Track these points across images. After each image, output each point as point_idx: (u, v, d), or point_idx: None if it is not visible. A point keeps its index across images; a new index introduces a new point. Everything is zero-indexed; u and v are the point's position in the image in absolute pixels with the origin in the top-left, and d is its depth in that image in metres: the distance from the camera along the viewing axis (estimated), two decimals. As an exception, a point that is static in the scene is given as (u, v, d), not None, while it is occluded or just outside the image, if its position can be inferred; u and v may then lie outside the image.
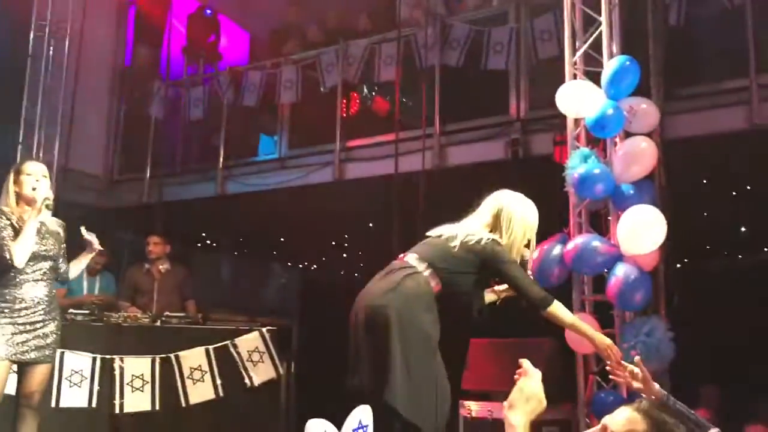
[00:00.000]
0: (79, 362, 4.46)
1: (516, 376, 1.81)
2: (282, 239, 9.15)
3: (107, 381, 4.52)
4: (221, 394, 4.70)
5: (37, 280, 3.75)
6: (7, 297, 3.66)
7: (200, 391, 4.68)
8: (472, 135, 6.28)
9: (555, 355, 4.62)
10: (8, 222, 3.68)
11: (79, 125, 7.53)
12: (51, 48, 7.08)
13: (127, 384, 4.56)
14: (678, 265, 5.95)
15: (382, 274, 3.09)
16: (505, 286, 3.21)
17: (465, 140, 6.30)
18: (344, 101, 7.17)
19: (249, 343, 4.88)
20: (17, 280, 3.68)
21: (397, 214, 5.86)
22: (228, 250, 10.01)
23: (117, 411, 4.50)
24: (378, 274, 3.11)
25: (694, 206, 5.97)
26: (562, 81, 4.88)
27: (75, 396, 4.39)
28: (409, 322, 2.88)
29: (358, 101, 7.39)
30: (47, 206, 3.74)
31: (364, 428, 2.42)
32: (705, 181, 5.89)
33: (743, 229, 7.08)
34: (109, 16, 8.51)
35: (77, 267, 4.07)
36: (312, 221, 7.68)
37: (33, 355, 3.67)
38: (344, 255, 9.63)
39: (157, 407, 4.58)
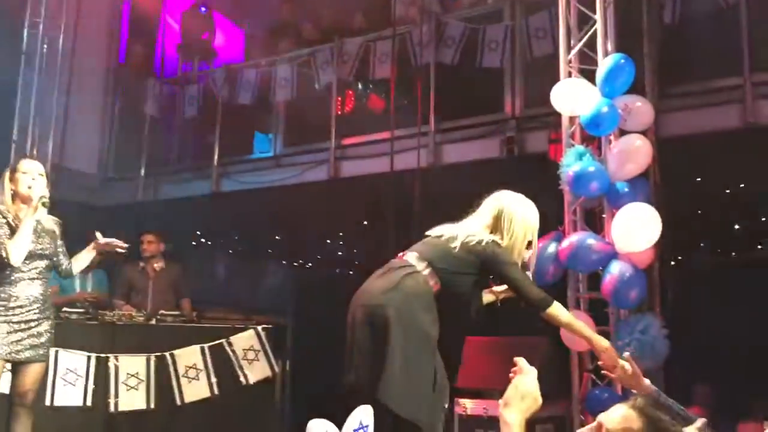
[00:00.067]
0: (73, 361, 4.45)
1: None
2: (277, 237, 9.14)
3: (102, 379, 4.51)
4: (216, 392, 4.70)
5: (33, 279, 3.74)
6: (2, 295, 3.65)
7: (195, 389, 4.67)
8: (467, 133, 6.28)
9: (550, 353, 4.63)
10: (4, 220, 3.68)
11: (73, 123, 7.50)
12: (45, 45, 7.05)
13: (122, 382, 4.55)
14: (672, 263, 5.98)
15: (381, 272, 3.07)
16: (504, 286, 3.21)
17: (460, 138, 6.29)
18: (339, 99, 7.16)
19: (244, 341, 4.88)
20: (12, 278, 3.67)
21: (392, 212, 5.85)
22: (223, 248, 9.99)
23: (112, 409, 4.50)
24: (376, 272, 3.10)
25: (688, 204, 5.99)
26: (557, 79, 4.89)
27: (70, 395, 4.38)
28: (408, 321, 2.88)
29: (353, 99, 7.38)
30: (44, 204, 3.73)
31: (365, 428, 2.42)
32: (699, 179, 5.91)
33: (737, 226, 7.11)
34: (103, 14, 8.47)
35: (80, 263, 4.06)
36: (307, 219, 7.68)
37: (27, 354, 3.66)
38: (339, 253, 9.63)
39: (152, 406, 4.57)
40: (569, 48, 5.00)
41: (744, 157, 5.42)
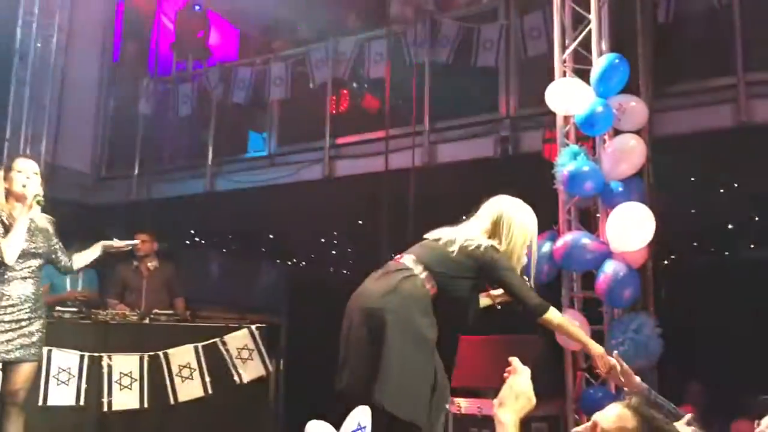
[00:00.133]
0: (66, 360, 4.42)
1: (505, 374, 1.81)
2: (271, 236, 9.13)
3: (95, 379, 4.48)
4: (210, 391, 4.68)
5: (25, 278, 3.72)
6: (-6, 294, 3.63)
7: (189, 388, 4.65)
8: (461, 132, 6.28)
9: (544, 352, 4.63)
10: (-2, 219, 3.66)
11: (66, 122, 7.49)
12: (38, 43, 7.03)
13: (116, 382, 4.53)
14: (665, 262, 5.99)
15: (378, 274, 3.06)
16: (501, 290, 3.21)
17: (455, 137, 6.30)
18: (334, 98, 7.15)
19: (238, 340, 4.86)
20: (5, 277, 3.66)
21: (386, 212, 5.85)
22: (217, 247, 9.97)
23: (105, 409, 4.47)
24: (373, 275, 3.09)
25: (681, 203, 6.00)
26: (551, 78, 4.89)
27: (63, 394, 4.36)
28: (406, 324, 2.87)
29: (347, 98, 7.37)
30: (38, 203, 3.72)
31: (363, 429, 2.42)
32: (693, 179, 5.93)
33: (730, 226, 7.13)
34: (97, 12, 8.44)
35: (83, 260, 4.05)
36: (301, 218, 7.68)
37: (18, 353, 3.64)
38: (333, 252, 9.62)
39: (146, 405, 4.55)
40: (564, 47, 5.00)
41: (737, 157, 5.44)
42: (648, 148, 4.59)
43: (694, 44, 5.55)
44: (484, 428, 4.41)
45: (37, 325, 3.74)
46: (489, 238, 3.08)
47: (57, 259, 3.92)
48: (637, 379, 2.81)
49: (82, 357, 4.48)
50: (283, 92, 7.20)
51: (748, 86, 5.05)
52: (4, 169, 3.78)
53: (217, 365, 4.75)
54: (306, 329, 8.74)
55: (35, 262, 3.78)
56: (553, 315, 3.04)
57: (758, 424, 3.19)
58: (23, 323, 3.68)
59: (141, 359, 4.63)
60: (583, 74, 4.79)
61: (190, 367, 4.68)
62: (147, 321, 4.99)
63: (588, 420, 1.70)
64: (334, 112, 7.11)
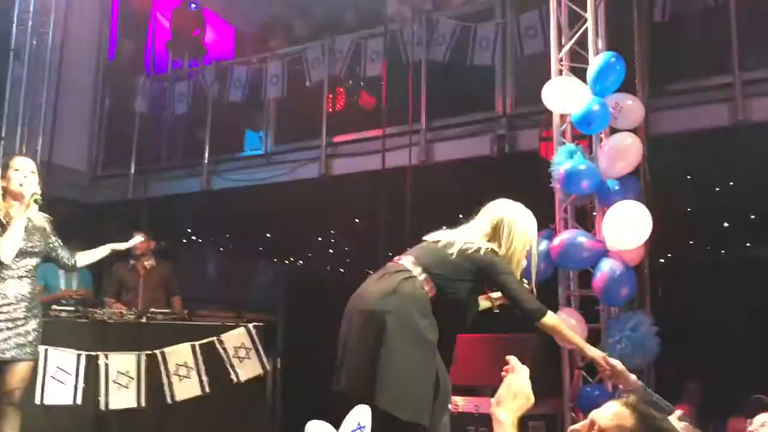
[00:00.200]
0: (63, 359, 4.41)
1: (503, 373, 1.81)
2: (268, 235, 9.12)
3: (92, 378, 4.47)
4: (207, 390, 4.67)
5: (22, 277, 3.72)
6: (-10, 293, 3.63)
7: (186, 387, 4.65)
8: (458, 131, 6.28)
9: (541, 350, 4.64)
10: (-6, 218, 3.66)
11: (62, 120, 7.46)
12: (34, 41, 7.01)
13: (113, 381, 4.52)
14: (662, 261, 6.01)
15: (377, 276, 3.06)
16: (500, 293, 3.21)
17: (451, 136, 6.30)
18: (330, 96, 7.15)
19: (235, 339, 4.86)
20: (1, 275, 3.65)
21: (383, 210, 5.85)
22: (214, 246, 9.96)
23: (102, 408, 4.46)
24: (372, 276, 3.09)
25: (677, 202, 6.02)
26: (547, 77, 4.89)
27: (59, 393, 4.35)
28: (407, 326, 2.87)
29: (344, 96, 7.37)
30: (36, 201, 3.71)
31: (362, 429, 2.42)
32: (689, 177, 5.94)
33: (726, 224, 7.15)
34: (93, 10, 8.42)
35: (88, 259, 4.05)
36: (298, 217, 7.67)
37: (13, 353, 3.64)
38: (330, 251, 9.62)
39: (143, 404, 4.54)
40: (560, 46, 5.01)
41: (734, 155, 5.45)
42: (644, 146, 4.60)
43: (691, 43, 5.57)
44: (481, 426, 4.42)
45: (33, 324, 3.74)
46: (489, 241, 3.08)
47: (58, 257, 3.92)
48: (633, 377, 2.83)
49: (79, 356, 4.47)
50: (280, 91, 7.19)
51: (744, 85, 5.05)
52: (2, 168, 3.77)
53: (214, 364, 4.74)
54: (303, 328, 8.75)
55: (32, 261, 3.77)
56: (550, 319, 3.05)
57: (750, 423, 3.22)
58: (19, 322, 3.67)
59: (138, 358, 4.62)
60: (580, 73, 4.79)
61: (187, 366, 4.68)
62: (144, 320, 4.99)
63: (585, 418, 1.71)
64: (330, 110, 7.11)
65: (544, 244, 4.61)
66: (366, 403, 2.63)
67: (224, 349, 4.80)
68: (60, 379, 4.36)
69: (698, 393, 5.90)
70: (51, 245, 3.90)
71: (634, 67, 4.84)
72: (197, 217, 8.45)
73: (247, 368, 4.81)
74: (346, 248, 9.33)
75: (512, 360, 1.82)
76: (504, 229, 3.10)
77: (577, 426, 1.69)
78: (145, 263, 6.09)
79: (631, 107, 4.59)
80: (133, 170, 7.98)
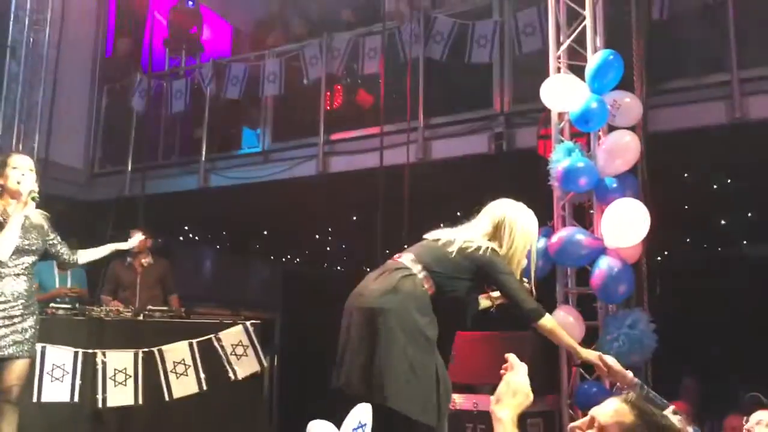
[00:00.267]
0: (60, 356, 4.40)
1: (502, 371, 1.81)
2: (265, 233, 9.11)
3: (89, 375, 4.46)
4: (205, 388, 4.67)
5: (18, 275, 3.71)
6: (-13, 291, 3.62)
7: (184, 385, 4.64)
8: (456, 128, 6.28)
9: (538, 348, 4.63)
10: (-8, 215, 3.65)
11: (59, 117, 7.43)
12: (31, 38, 6.98)
13: (110, 378, 4.51)
14: (659, 258, 6.01)
15: (377, 273, 3.06)
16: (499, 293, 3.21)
17: (449, 134, 6.30)
18: (328, 94, 7.14)
19: (232, 336, 4.86)
20: (-2, 273, 3.64)
21: (381, 208, 5.85)
22: (211, 243, 9.95)
23: (99, 405, 4.46)
24: (372, 274, 3.08)
25: (675, 199, 6.02)
26: (545, 75, 4.89)
27: (57, 390, 4.34)
28: (407, 323, 2.87)
29: (341, 94, 7.36)
30: (33, 199, 3.69)
31: (363, 427, 2.42)
32: (687, 175, 5.95)
33: (723, 222, 7.16)
34: (90, 7, 8.40)
35: (90, 256, 4.04)
36: (295, 215, 7.66)
37: (11, 350, 3.63)
38: (327, 249, 9.62)
39: (140, 401, 4.53)
40: (558, 44, 5.00)
41: (731, 153, 5.46)
42: (642, 144, 4.60)
43: (689, 41, 5.57)
44: (480, 424, 4.42)
45: (30, 321, 3.73)
46: (489, 240, 3.08)
47: (58, 253, 3.92)
48: (629, 374, 2.84)
49: (76, 353, 4.46)
50: (277, 88, 7.18)
51: (742, 83, 5.07)
52: (-1, 166, 3.75)
53: (211, 362, 4.74)
54: (300, 326, 8.75)
55: (29, 259, 3.76)
56: (547, 321, 3.05)
57: (747, 420, 3.22)
58: (16, 320, 3.66)
59: (135, 356, 4.61)
60: (578, 71, 4.79)
61: (184, 364, 4.67)
62: (141, 317, 4.98)
63: (582, 415, 1.71)
64: (328, 108, 7.10)
65: (542, 242, 4.61)
66: (365, 400, 2.63)
67: (222, 346, 4.80)
68: (57, 377, 4.35)
69: (695, 390, 5.91)
70: (50, 242, 3.90)
71: (633, 64, 4.84)
72: (194, 215, 8.44)
73: (244, 366, 4.81)
74: (344, 246, 9.34)
75: (511, 358, 1.82)
76: (505, 228, 3.10)
77: (577, 423, 1.69)
78: (143, 261, 6.08)
79: (630, 105, 4.59)
80: (130, 168, 7.97)
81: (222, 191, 7.47)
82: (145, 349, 4.64)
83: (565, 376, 4.66)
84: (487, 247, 3.03)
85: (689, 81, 5.33)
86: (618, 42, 4.81)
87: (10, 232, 3.59)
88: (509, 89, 6.10)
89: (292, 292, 10.07)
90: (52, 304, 4.81)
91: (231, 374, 4.76)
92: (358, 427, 2.39)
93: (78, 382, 4.40)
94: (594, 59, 4.60)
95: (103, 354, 4.54)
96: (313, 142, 6.94)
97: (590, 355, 3.06)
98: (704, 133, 5.24)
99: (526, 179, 4.80)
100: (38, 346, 3.95)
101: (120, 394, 4.51)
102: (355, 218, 7.70)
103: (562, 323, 3.71)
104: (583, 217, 4.86)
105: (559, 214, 4.83)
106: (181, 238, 9.29)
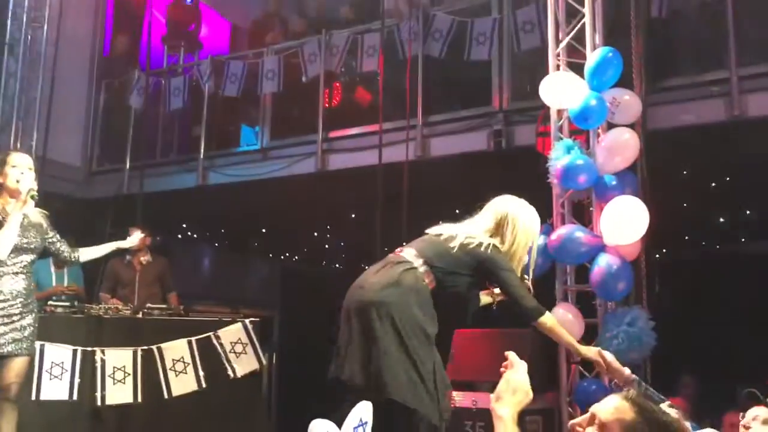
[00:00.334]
0: (59, 354, 4.40)
1: (502, 369, 1.81)
2: (264, 230, 9.11)
3: (88, 373, 4.47)
4: (204, 385, 4.67)
5: (17, 273, 3.70)
6: (-14, 289, 3.61)
7: (183, 383, 4.64)
8: (455, 126, 6.28)
9: (538, 346, 4.63)
10: (-10, 214, 3.64)
11: (57, 115, 7.41)
12: (28, 36, 6.97)
13: (109, 376, 4.52)
14: (658, 256, 6.01)
15: (378, 267, 3.05)
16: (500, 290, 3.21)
17: (448, 131, 6.30)
18: (327, 92, 7.13)
19: (232, 334, 4.85)
20: (-4, 272, 3.64)
21: (380, 206, 5.85)
22: (209, 241, 9.95)
23: (99, 403, 4.46)
24: (373, 267, 3.08)
25: (674, 197, 6.03)
26: (545, 72, 4.89)
27: (56, 388, 4.34)
28: (407, 317, 2.87)
29: (340, 92, 7.35)
30: (32, 197, 3.69)
31: (364, 425, 2.42)
32: (686, 172, 5.95)
33: (722, 219, 7.17)
34: (88, 4, 8.38)
35: (91, 254, 4.03)
36: (294, 212, 7.66)
37: (10, 348, 3.63)
38: (326, 246, 9.61)
39: (139, 399, 4.54)
40: (557, 41, 5.00)
41: (730, 151, 5.46)
42: (642, 141, 4.60)
43: (688, 38, 5.57)
44: (479, 421, 4.41)
45: (28, 319, 3.73)
46: (491, 237, 3.08)
47: (58, 251, 3.91)
48: (627, 371, 2.85)
49: (75, 351, 4.46)
50: (276, 86, 7.17)
51: (741, 80, 5.06)
52: (-1, 164, 3.75)
53: (210, 359, 4.74)
54: (299, 323, 8.75)
55: (27, 258, 3.76)
56: (547, 319, 3.05)
57: (743, 416, 3.23)
58: (15, 318, 3.66)
59: (134, 353, 4.61)
60: (577, 68, 4.79)
61: (183, 361, 4.67)
62: (140, 315, 4.97)
63: (582, 413, 1.70)
64: (327, 105, 7.09)
65: (541, 239, 4.61)
66: (365, 392, 2.63)
67: (221, 344, 4.80)
68: (56, 375, 4.35)
69: (694, 387, 5.92)
70: (49, 240, 3.89)
71: (632, 62, 4.84)
72: (193, 213, 8.43)
73: (243, 363, 4.81)
74: (343, 243, 9.33)
75: (511, 355, 1.82)
76: (508, 225, 3.10)
77: (577, 420, 1.69)
78: (141, 259, 6.08)
79: (629, 102, 4.59)
80: (128, 165, 7.95)
81: (220, 189, 7.46)
82: (144, 347, 4.64)
83: (564, 373, 4.66)
84: (489, 244, 3.03)
85: (688, 78, 5.33)
86: (617, 39, 4.81)
87: (9, 231, 3.59)
88: (508, 86, 6.10)
89: (291, 289, 10.07)
90: (50, 302, 4.80)
91: (230, 372, 4.76)
92: (359, 425, 2.39)
93: (77, 380, 4.41)
94: (593, 56, 4.60)
95: (102, 352, 4.54)
96: (312, 139, 6.93)
97: (590, 351, 3.06)
98: (703, 130, 5.24)
99: (526, 176, 4.80)
100: (37, 344, 3.95)
101: (119, 392, 4.51)
102: (353, 216, 7.70)
103: (561, 321, 3.71)
104: (583, 214, 4.86)
105: (559, 212, 4.83)
106: (179, 236, 9.28)
